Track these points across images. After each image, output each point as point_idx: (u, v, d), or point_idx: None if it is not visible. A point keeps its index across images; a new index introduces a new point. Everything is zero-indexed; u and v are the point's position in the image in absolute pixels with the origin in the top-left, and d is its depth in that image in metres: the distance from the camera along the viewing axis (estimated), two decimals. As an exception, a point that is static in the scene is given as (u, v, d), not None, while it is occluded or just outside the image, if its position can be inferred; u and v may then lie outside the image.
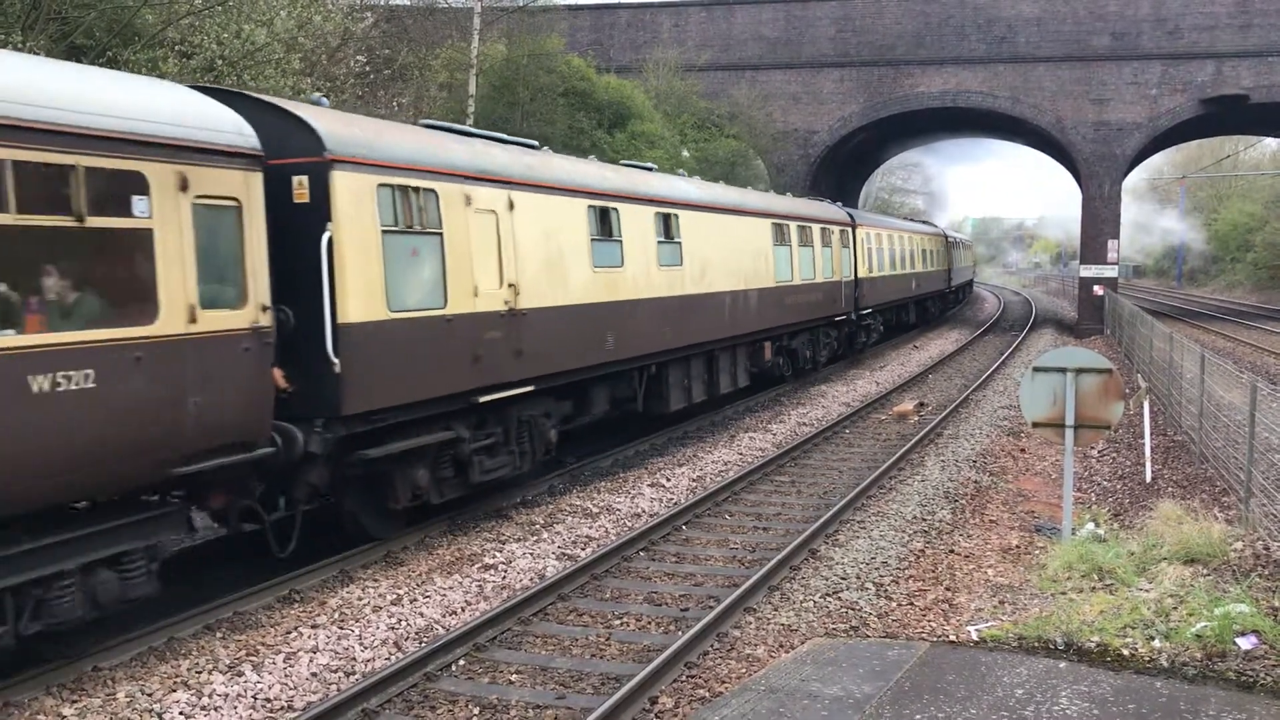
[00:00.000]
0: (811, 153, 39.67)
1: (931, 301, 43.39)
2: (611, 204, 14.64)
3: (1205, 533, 9.89)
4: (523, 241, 12.33)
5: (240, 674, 7.70)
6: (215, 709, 7.15)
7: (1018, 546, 11.35)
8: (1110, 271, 38.81)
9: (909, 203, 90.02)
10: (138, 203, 7.60)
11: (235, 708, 7.18)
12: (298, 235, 9.28)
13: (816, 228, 24.27)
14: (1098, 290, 38.76)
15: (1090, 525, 11.41)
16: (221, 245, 8.37)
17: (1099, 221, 38.70)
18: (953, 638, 8.32)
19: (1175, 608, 8.38)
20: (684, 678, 7.83)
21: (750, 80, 39.44)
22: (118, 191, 7.45)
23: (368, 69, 24.63)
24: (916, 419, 19.73)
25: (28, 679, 7.44)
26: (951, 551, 11.11)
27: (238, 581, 9.59)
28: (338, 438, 9.57)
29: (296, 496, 9.69)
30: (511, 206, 12.15)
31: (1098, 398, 10.68)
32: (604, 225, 14.46)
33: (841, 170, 45.92)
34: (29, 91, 6.93)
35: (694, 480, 14.44)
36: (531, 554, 10.84)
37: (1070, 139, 38.13)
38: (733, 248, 19.06)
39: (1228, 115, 39.03)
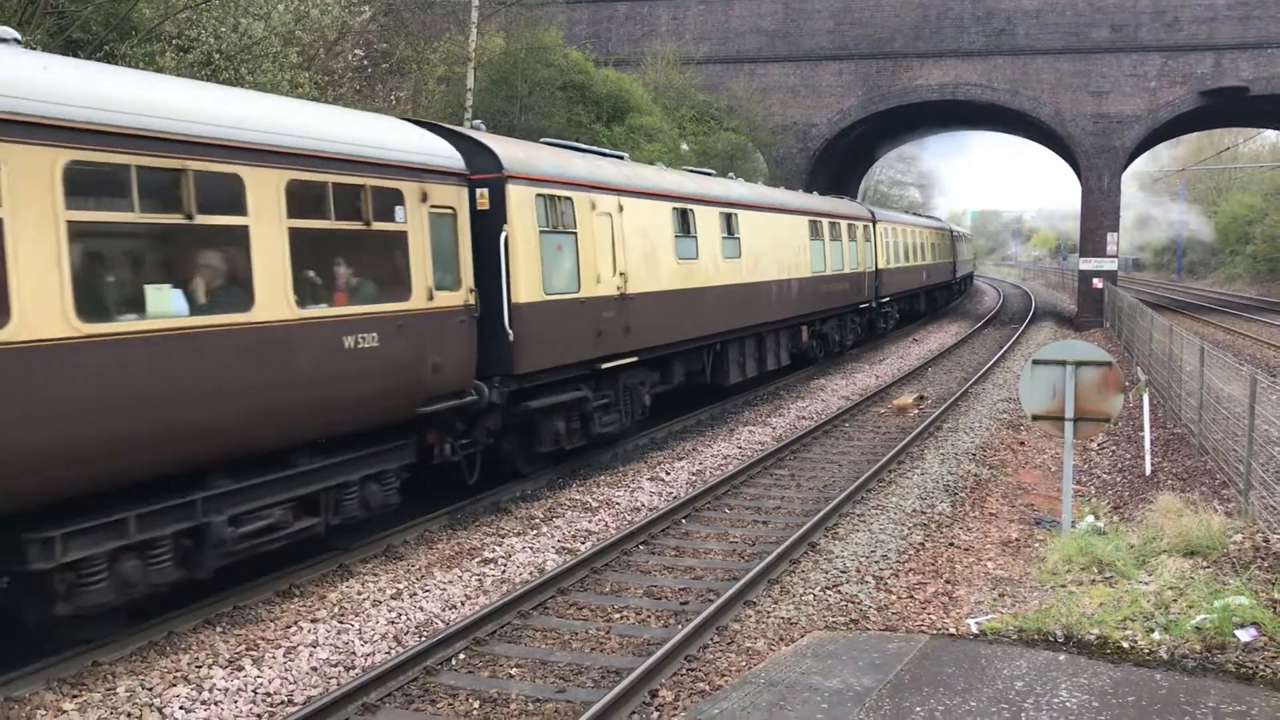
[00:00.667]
0: (810, 146, 39.62)
1: (939, 291, 46.40)
2: (689, 206, 17.26)
3: (1205, 525, 9.89)
4: (629, 238, 14.99)
5: (240, 668, 7.70)
6: (215, 703, 7.15)
7: (1017, 539, 11.36)
8: (1110, 264, 38.79)
9: (908, 196, 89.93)
10: (398, 211, 10.31)
11: (235, 702, 7.19)
12: (481, 235, 11.71)
13: (844, 224, 26.94)
14: (1097, 283, 38.75)
15: (1090, 518, 11.41)
16: (445, 243, 11.05)
17: (1098, 214, 38.67)
18: (952, 630, 8.32)
19: (1175, 600, 8.38)
20: (684, 671, 7.83)
21: (749, 73, 39.39)
22: (388, 204, 10.15)
23: (365, 63, 24.56)
24: (916, 412, 19.73)
25: (29, 673, 7.44)
26: (951, 544, 11.11)
27: (237, 576, 9.58)
28: (509, 391, 12.21)
29: (478, 437, 12.19)
30: (620, 209, 14.82)
31: (1097, 390, 10.68)
32: (684, 224, 17.04)
33: (840, 163, 45.87)
34: (345, 133, 9.83)
35: (693, 474, 14.44)
36: (531, 548, 10.84)
37: (1069, 131, 38.09)
38: (778, 242, 21.60)
39: (1227, 107, 38.98)
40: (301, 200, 9.09)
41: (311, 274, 9.31)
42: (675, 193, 16.98)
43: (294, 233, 8.97)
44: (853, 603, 9.22)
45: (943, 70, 38.65)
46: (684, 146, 33.85)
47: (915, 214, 51.01)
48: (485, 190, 12.01)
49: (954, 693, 6.85)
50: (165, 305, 7.86)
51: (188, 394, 7.96)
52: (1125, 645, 7.66)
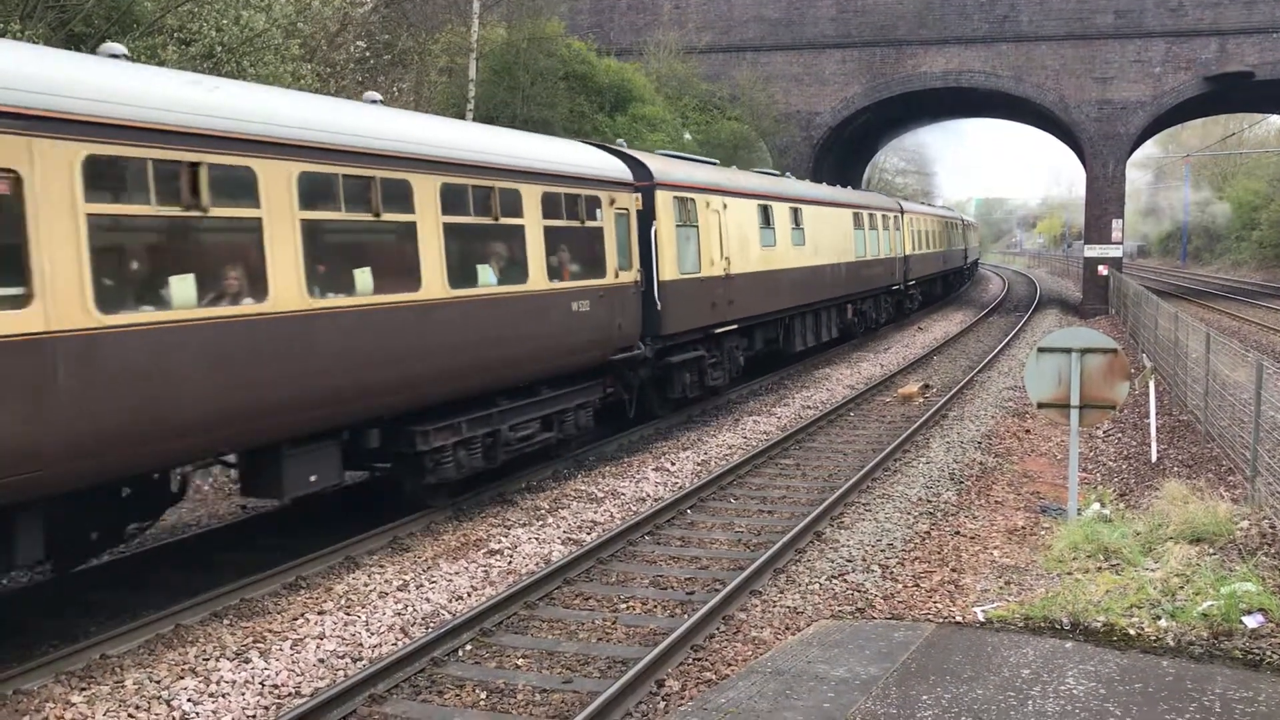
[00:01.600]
0: (814, 134, 39.53)
1: (954, 275, 50.78)
2: (769, 202, 20.90)
3: (1211, 512, 9.87)
4: (730, 230, 18.60)
5: (248, 661, 7.72)
6: (223, 695, 7.17)
7: (1023, 527, 11.35)
8: (1115, 251, 38.70)
9: (912, 184, 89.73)
10: (598, 213, 14.15)
11: (243, 694, 7.21)
12: (629, 229, 15.17)
13: (879, 214, 30.69)
14: (1102, 270, 38.67)
15: (1096, 505, 11.40)
16: (623, 235, 14.79)
17: (1103, 201, 38.57)
18: (959, 619, 8.32)
19: (1181, 587, 8.37)
20: (690, 661, 7.84)
21: (751, 62, 39.27)
22: (593, 207, 14.03)
23: (367, 54, 24.52)
24: (921, 401, 19.71)
25: (37, 666, 7.47)
26: (957, 533, 11.11)
27: (244, 568, 9.60)
28: (656, 349, 15.76)
29: (633, 382, 15.94)
30: (725, 207, 18.47)
31: (1103, 378, 10.65)
32: (765, 218, 20.70)
33: (844, 152, 45.78)
34: (572, 157, 13.78)
35: (699, 464, 14.44)
36: (537, 539, 10.85)
37: (1074, 118, 37.96)
38: (831, 232, 25.31)
39: (1232, 93, 38.82)
40: (550, 206, 12.89)
41: (554, 259, 13.01)
42: (759, 192, 20.72)
43: (546, 230, 12.78)
44: (859, 591, 9.22)
45: (946, 57, 38.52)
46: (687, 136, 33.78)
47: (929, 204, 53.76)
48: (639, 195, 15.43)
49: (961, 681, 6.86)
50: (487, 278, 11.82)
51: (498, 336, 11.76)
52: (1132, 632, 7.65)
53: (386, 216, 10.10)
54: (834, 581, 9.50)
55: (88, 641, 7.89)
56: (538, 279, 12.60)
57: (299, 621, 8.56)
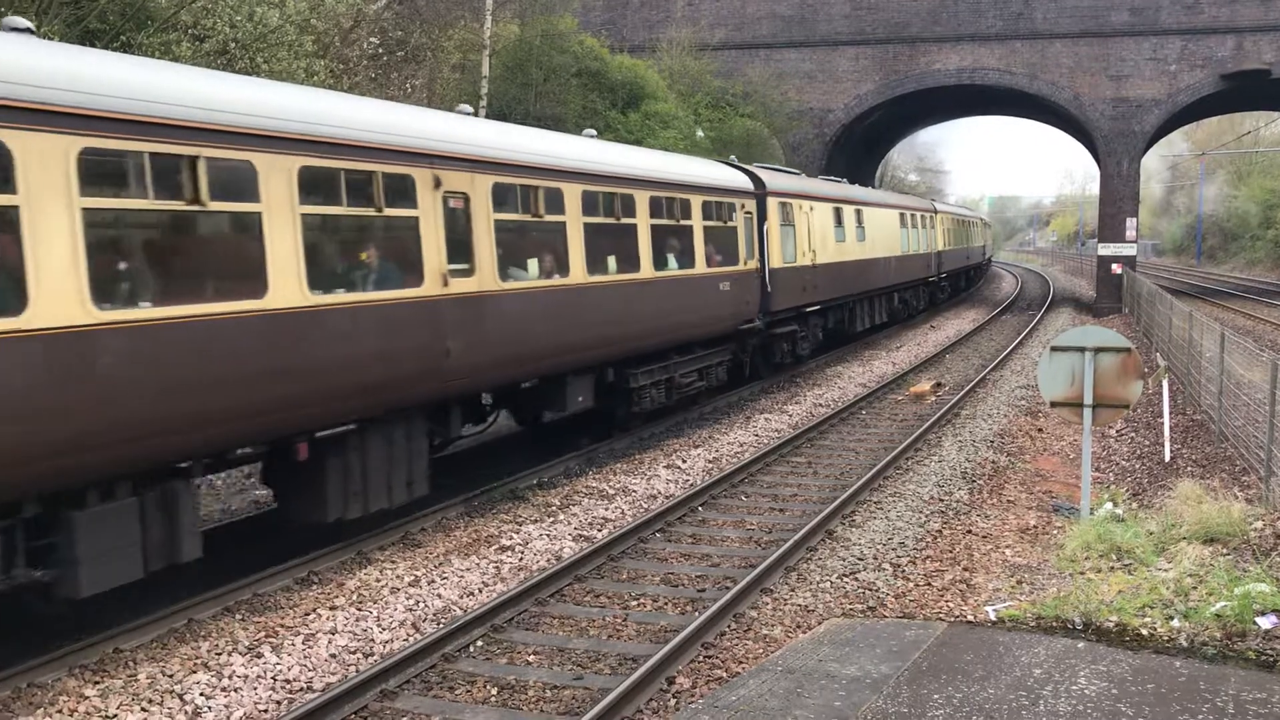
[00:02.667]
0: (827, 132, 39.44)
1: (974, 270, 56.10)
2: (840, 205, 25.20)
3: (1225, 512, 9.83)
4: (815, 228, 22.84)
5: (260, 655, 7.75)
6: (235, 690, 7.20)
7: (1035, 526, 11.32)
8: (1129, 250, 38.53)
9: (925, 182, 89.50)
10: (734, 215, 18.27)
11: (255, 689, 7.23)
12: (752, 228, 19.28)
13: (918, 214, 35.11)
14: (1116, 268, 38.51)
15: (1108, 505, 11.36)
16: (749, 232, 19.03)
17: (1117, 199, 38.39)
18: (970, 618, 8.30)
19: (1194, 587, 8.34)
20: (701, 658, 7.84)
21: (764, 59, 39.20)
22: (732, 210, 18.22)
23: (380, 51, 24.56)
24: (933, 399, 19.66)
25: (51, 660, 7.50)
26: (969, 532, 11.08)
27: (256, 564, 9.64)
28: (766, 322, 19.79)
29: (749, 348, 20.03)
30: (811, 209, 22.72)
31: (1116, 377, 10.61)
32: (837, 218, 24.83)
33: (856, 149, 45.67)
34: (721, 175, 18.27)
35: (710, 462, 14.43)
36: (548, 535, 10.86)
37: (1088, 116, 37.80)
38: (884, 230, 29.57)
39: (1249, 91, 38.61)
40: (707, 211, 17.26)
41: (709, 250, 17.23)
42: (833, 196, 25.12)
43: (705, 229, 17.13)
44: (870, 590, 9.21)
45: (960, 54, 38.40)
46: (699, 134, 33.74)
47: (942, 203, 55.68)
48: (754, 200, 19.50)
49: (972, 680, 6.84)
50: (673, 264, 16.00)
51: (677, 306, 16.02)
52: (1144, 633, 7.62)
53: (624, 220, 14.60)
54: (845, 580, 9.49)
55: (101, 635, 7.93)
56: (700, 265, 16.91)
57: (311, 617, 8.58)
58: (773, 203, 20.12)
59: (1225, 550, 9.29)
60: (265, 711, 6.99)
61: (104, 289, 7.21)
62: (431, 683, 7.48)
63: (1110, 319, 34.37)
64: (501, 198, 11.66)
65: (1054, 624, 7.88)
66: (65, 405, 6.90)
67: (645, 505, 12.19)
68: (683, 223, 16.35)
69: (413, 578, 9.53)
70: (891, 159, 72.62)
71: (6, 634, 7.85)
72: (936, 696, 6.60)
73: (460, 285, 10.85)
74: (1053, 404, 11.09)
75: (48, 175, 6.87)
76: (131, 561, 7.70)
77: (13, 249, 6.71)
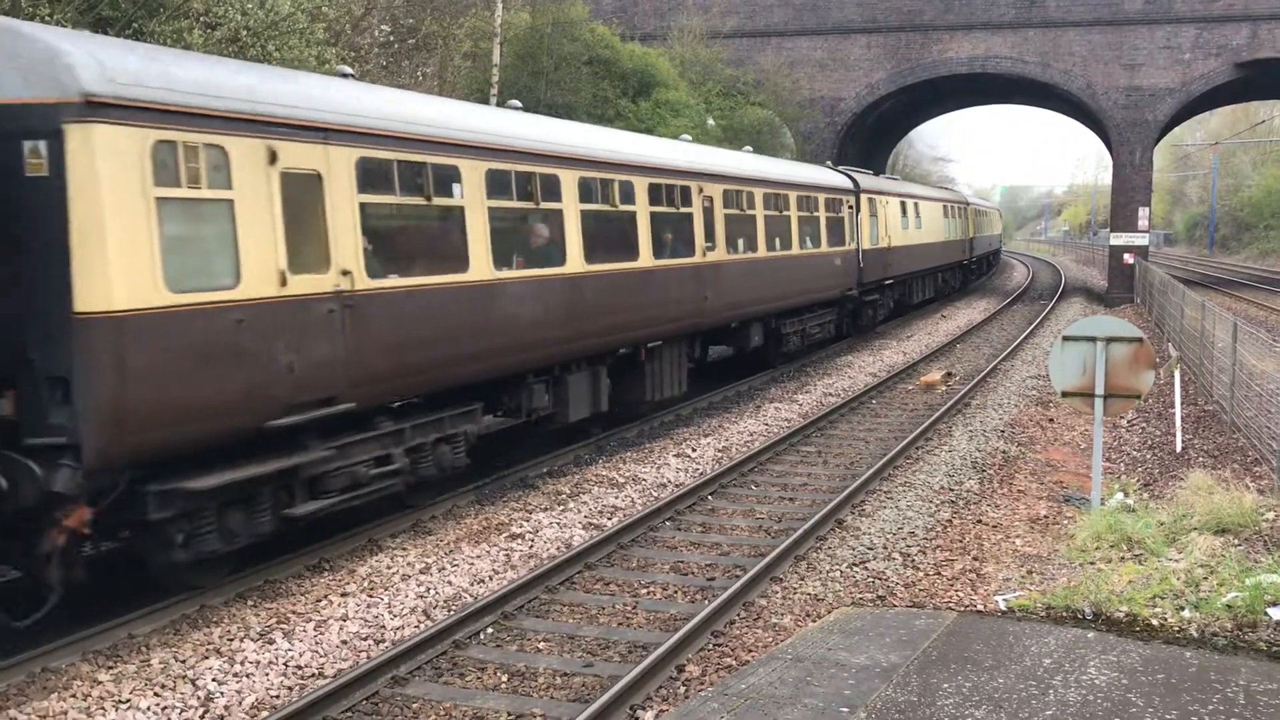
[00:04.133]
0: (838, 120, 39.30)
1: (992, 255, 62.05)
2: (905, 199, 31.12)
3: (1236, 502, 9.81)
4: (890, 218, 28.54)
5: (271, 641, 7.79)
6: (247, 675, 7.24)
7: (1046, 516, 11.30)
8: (1141, 239, 38.36)
9: (937, 171, 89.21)
10: (842, 208, 24.08)
11: (267, 674, 7.28)
12: (852, 217, 24.73)
13: (954, 205, 40.91)
14: (1128, 258, 38.34)
15: (1119, 495, 11.34)
16: (851, 222, 24.54)
17: (1130, 189, 38.20)
18: (980, 607, 8.30)
19: (1205, 578, 8.33)
20: (711, 646, 7.86)
21: (776, 47, 39.05)
22: (841, 205, 24.07)
23: (391, 39, 24.56)
24: (944, 389, 19.63)
25: (65, 645, 7.56)
26: (979, 521, 11.07)
27: (268, 550, 9.67)
28: (859, 291, 25.11)
29: (846, 312, 25.57)
30: (886, 203, 28.37)
31: (1128, 367, 10.58)
32: (903, 209, 30.43)
33: (868, 138, 45.51)
34: (830, 179, 24.48)
35: (720, 450, 14.44)
36: (558, 523, 10.89)
37: (1101, 105, 37.59)
38: (932, 219, 35.09)
39: (1264, 79, 38.33)
40: (828, 206, 22.99)
41: (828, 234, 22.88)
42: (900, 192, 31.08)
43: (827, 219, 22.75)
44: (880, 579, 9.21)
45: (972, 43, 38.19)
46: (710, 122, 33.66)
47: (974, 197, 63.69)
48: (853, 197, 25.10)
49: (982, 669, 6.85)
50: (808, 245, 21.53)
51: (810, 274, 21.66)
52: (1155, 623, 7.62)
53: (783, 212, 20.45)
54: (855, 569, 9.49)
55: (114, 621, 7.98)
56: (824, 246, 22.79)
57: (322, 603, 8.63)
58: (863, 198, 25.98)
59: (1236, 541, 9.27)
60: (277, 697, 7.03)
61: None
62: (442, 669, 7.51)
63: (1122, 309, 34.24)
64: (729, 200, 17.95)
65: (1064, 614, 7.88)
66: (544, 319, 12.28)
67: (655, 494, 12.21)
68: (814, 214, 22.31)
69: (424, 565, 9.56)
70: (903, 149, 72.42)
71: (21, 618, 7.89)
72: (946, 686, 6.61)
73: (713, 256, 17.00)
74: (1064, 394, 11.07)
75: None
76: (587, 406, 13.79)
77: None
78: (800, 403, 18.20)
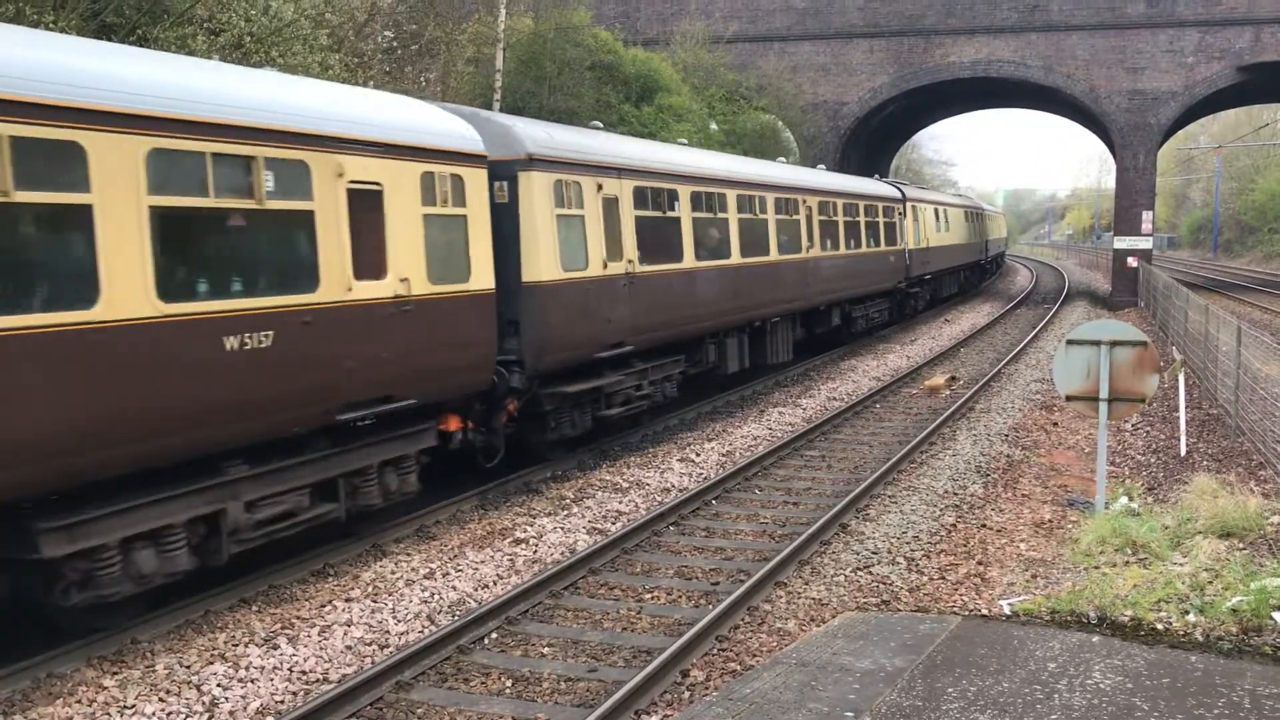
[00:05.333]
0: (841, 125, 39.31)
1: (1000, 256, 67.10)
2: (938, 206, 35.92)
3: (1241, 506, 9.79)
4: (927, 222, 32.97)
5: (276, 647, 7.79)
6: (252, 681, 7.25)
7: (1050, 521, 11.29)
8: (1144, 243, 38.32)
9: (939, 175, 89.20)
10: (893, 214, 29.20)
11: (271, 680, 7.28)
12: (901, 222, 29.87)
13: (973, 211, 45.97)
14: (1131, 262, 38.31)
15: (1124, 499, 11.32)
16: (900, 225, 29.54)
17: (1133, 192, 38.17)
18: (985, 612, 8.29)
19: (1210, 582, 8.31)
20: (715, 651, 7.86)
21: (779, 52, 39.08)
22: (892, 210, 28.84)
23: (394, 44, 24.61)
24: (948, 393, 19.62)
25: (70, 650, 7.57)
26: (983, 526, 11.06)
27: (272, 555, 9.68)
28: (906, 285, 30.63)
29: (893, 303, 30.35)
30: (924, 209, 32.93)
31: (1132, 370, 10.58)
32: (936, 214, 34.94)
33: (871, 142, 45.51)
34: (877, 188, 28.97)
35: (723, 455, 14.44)
36: (562, 528, 10.89)
37: (1104, 109, 37.58)
38: (957, 223, 39.81)
39: (1267, 82, 38.31)
40: (885, 213, 27.55)
41: (882, 237, 27.30)
42: (934, 200, 36.52)
43: (884, 224, 27.76)
44: (884, 584, 9.20)
45: (975, 47, 38.21)
46: (713, 126, 33.68)
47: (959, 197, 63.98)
48: (900, 204, 29.68)
49: (987, 674, 6.84)
50: (865, 245, 25.77)
51: (871, 270, 26.48)
52: (1160, 627, 7.60)
53: (856, 218, 24.91)
54: (859, 573, 9.49)
55: (119, 627, 7.98)
56: (883, 245, 27.33)
57: (327, 608, 8.63)
58: (908, 205, 30.71)
59: (1241, 545, 9.25)
60: (282, 702, 7.03)
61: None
62: (446, 674, 7.51)
63: (1126, 313, 34.21)
64: (822, 209, 22.75)
65: (1069, 618, 7.87)
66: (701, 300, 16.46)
67: (659, 498, 12.21)
68: (875, 220, 26.77)
69: (428, 570, 9.56)
70: (907, 152, 72.56)
71: (27, 625, 7.91)
72: (951, 690, 6.60)
73: (812, 253, 21.78)
74: (1068, 398, 11.06)
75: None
76: (737, 363, 18.26)
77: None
78: (804, 407, 18.19)
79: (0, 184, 6.60)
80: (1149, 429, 16.10)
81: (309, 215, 8.98)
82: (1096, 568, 9.10)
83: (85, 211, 7.13)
